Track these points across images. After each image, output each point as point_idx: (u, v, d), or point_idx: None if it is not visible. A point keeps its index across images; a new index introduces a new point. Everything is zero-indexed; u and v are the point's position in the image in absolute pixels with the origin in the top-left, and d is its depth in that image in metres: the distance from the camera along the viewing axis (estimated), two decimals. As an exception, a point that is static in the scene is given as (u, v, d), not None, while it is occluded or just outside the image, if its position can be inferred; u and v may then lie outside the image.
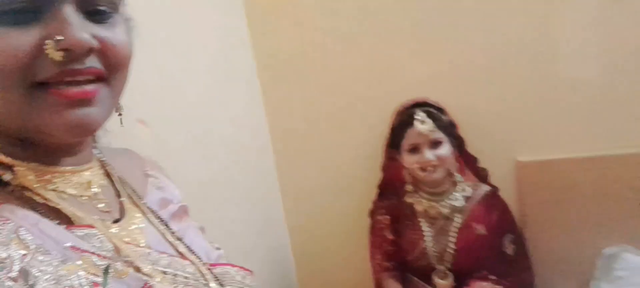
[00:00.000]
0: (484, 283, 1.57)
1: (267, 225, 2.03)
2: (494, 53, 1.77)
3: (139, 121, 1.29)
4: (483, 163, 1.76)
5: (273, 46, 1.99)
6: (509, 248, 1.61)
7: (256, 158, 1.99)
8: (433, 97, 1.70)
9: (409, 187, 1.70)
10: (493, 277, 1.57)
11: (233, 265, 0.77)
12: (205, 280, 0.69)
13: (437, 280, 1.64)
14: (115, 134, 0.93)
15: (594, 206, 1.76)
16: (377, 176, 1.85)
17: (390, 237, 1.72)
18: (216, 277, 0.71)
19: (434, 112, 1.63)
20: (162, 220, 0.74)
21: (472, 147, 1.74)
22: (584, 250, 1.79)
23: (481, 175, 1.71)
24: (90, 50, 0.53)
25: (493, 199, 1.66)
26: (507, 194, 1.74)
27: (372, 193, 1.86)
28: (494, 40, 1.76)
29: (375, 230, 1.78)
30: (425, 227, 1.65)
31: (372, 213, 1.82)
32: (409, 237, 1.68)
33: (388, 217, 1.73)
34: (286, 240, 2.20)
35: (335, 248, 2.11)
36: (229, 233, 1.58)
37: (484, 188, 1.68)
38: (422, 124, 1.58)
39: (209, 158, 1.57)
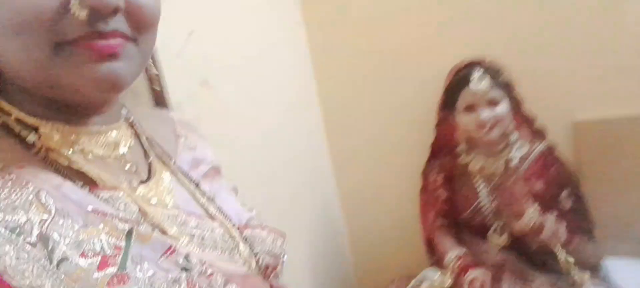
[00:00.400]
0: (549, 215, 1.51)
1: (316, 187, 2.08)
2: (551, 11, 1.74)
3: (202, 83, 1.35)
4: (541, 122, 1.74)
5: (322, 6, 2.01)
6: (567, 203, 1.60)
7: (305, 119, 2.05)
8: (488, 57, 1.68)
9: (462, 147, 1.71)
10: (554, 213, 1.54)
11: (264, 228, 0.75)
12: (235, 242, 0.68)
13: (492, 237, 1.66)
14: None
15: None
16: (429, 137, 1.86)
17: (444, 195, 1.74)
18: (246, 240, 0.70)
19: (491, 71, 1.62)
20: (193, 181, 0.72)
21: (529, 107, 1.72)
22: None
23: (538, 134, 1.70)
24: (116, 10, 0.51)
25: (550, 156, 1.65)
26: (565, 153, 1.72)
27: (424, 154, 1.87)
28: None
29: (428, 190, 1.80)
30: (480, 185, 1.66)
31: (425, 173, 1.84)
32: (463, 195, 1.70)
33: (442, 175, 1.75)
34: (336, 202, 2.25)
35: (387, 208, 2.16)
36: (277, 197, 1.66)
37: (541, 146, 1.66)
38: (479, 83, 1.58)
39: (261, 118, 1.63)
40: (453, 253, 1.64)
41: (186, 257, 0.58)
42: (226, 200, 0.75)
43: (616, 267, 1.74)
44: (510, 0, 1.77)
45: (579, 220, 1.60)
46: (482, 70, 1.60)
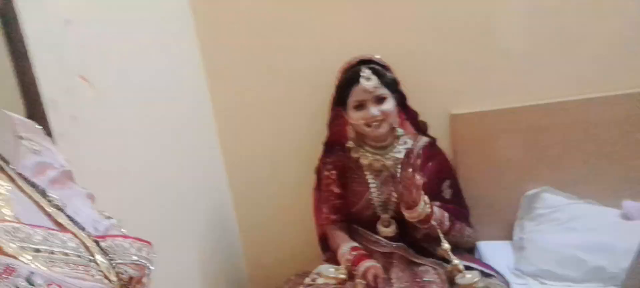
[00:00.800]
0: (435, 207, 1.64)
1: (208, 188, 2.02)
2: (430, 18, 1.88)
3: (80, 77, 1.24)
4: (421, 117, 1.86)
5: (212, 8, 1.95)
6: (447, 193, 1.74)
7: (196, 118, 1.97)
8: (375, 56, 1.75)
9: (350, 143, 1.77)
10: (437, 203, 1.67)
11: (126, 237, 0.70)
12: (91, 254, 0.62)
13: (381, 228, 1.74)
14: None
15: (518, 153, 1.93)
16: (320, 135, 1.89)
17: (337, 190, 1.78)
18: (104, 251, 0.65)
19: (379, 69, 1.68)
20: (37, 187, 0.65)
21: (411, 103, 1.83)
22: (509, 194, 1.97)
23: (421, 128, 1.81)
24: None
25: (431, 149, 1.77)
26: (443, 145, 1.86)
27: (316, 152, 1.90)
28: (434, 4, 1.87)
29: (322, 185, 1.83)
30: (370, 179, 1.73)
31: (319, 170, 1.87)
32: (355, 189, 1.75)
33: (335, 171, 1.78)
34: (229, 202, 2.20)
35: (280, 207, 2.15)
36: (168, 198, 1.58)
37: (424, 140, 1.78)
38: (368, 81, 1.64)
39: (149, 117, 1.53)
40: (346, 246, 1.69)
41: (28, 279, 0.51)
42: (80, 209, 0.70)
43: (488, 249, 1.92)
44: (396, 6, 1.88)
45: (458, 209, 1.74)
46: (370, 68, 1.66)
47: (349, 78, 1.68)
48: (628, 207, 1.81)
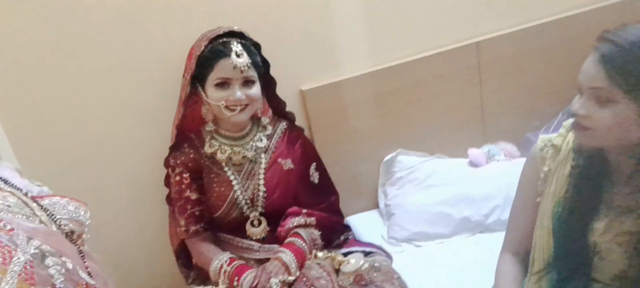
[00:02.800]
0: (297, 218, 1.52)
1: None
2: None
3: None
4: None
5: None
6: (315, 177, 1.59)
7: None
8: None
9: (209, 126, 1.50)
10: (305, 211, 1.54)
11: (63, 196, 0.75)
12: (30, 209, 0.67)
13: (251, 229, 1.52)
14: None
15: (371, 120, 1.89)
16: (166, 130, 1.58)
17: (194, 196, 1.49)
18: (44, 208, 0.70)
19: (251, 47, 1.44)
20: None
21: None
22: (368, 162, 1.93)
23: (281, 111, 1.62)
24: None
25: (292, 132, 1.60)
26: (298, 122, 1.70)
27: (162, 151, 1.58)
28: None
29: (174, 193, 1.51)
30: (231, 175, 1.49)
31: (167, 176, 1.55)
32: (215, 191, 1.49)
33: (187, 174, 1.49)
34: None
35: (119, 229, 1.77)
36: None
37: (283, 123, 1.60)
38: (238, 57, 1.38)
39: None
40: (220, 258, 1.43)
41: None
42: (11, 176, 0.73)
43: (357, 222, 1.86)
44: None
45: (327, 196, 1.62)
46: (241, 43, 1.41)
47: (216, 50, 1.39)
48: (473, 154, 1.91)
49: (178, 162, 1.50)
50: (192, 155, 1.50)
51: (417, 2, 1.82)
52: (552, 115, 1.95)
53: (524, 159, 1.84)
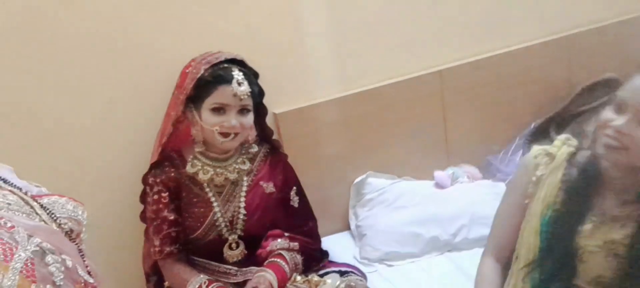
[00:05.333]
0: (280, 240, 1.53)
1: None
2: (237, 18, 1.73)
3: None
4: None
5: None
6: (295, 201, 1.61)
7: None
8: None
9: (197, 148, 1.49)
10: (287, 234, 1.55)
11: (62, 196, 0.75)
12: (31, 207, 0.67)
13: (228, 252, 1.51)
14: None
15: (342, 143, 1.94)
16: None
17: (171, 216, 1.47)
18: (44, 207, 0.70)
19: (251, 77, 1.47)
20: None
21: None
22: (339, 185, 1.98)
23: (268, 138, 1.64)
24: None
25: (275, 156, 1.61)
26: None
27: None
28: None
29: (151, 213, 1.49)
30: (212, 196, 1.49)
31: (146, 185, 1.52)
32: (194, 212, 1.48)
33: (166, 194, 1.47)
34: None
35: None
36: None
37: (265, 146, 1.62)
38: (240, 86, 1.40)
39: None
40: (196, 281, 1.42)
41: None
42: (10, 177, 0.73)
43: (330, 243, 1.88)
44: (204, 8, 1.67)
45: (306, 220, 1.64)
46: (243, 72, 1.44)
47: (218, 75, 1.41)
48: (438, 177, 2.00)
49: (158, 180, 1.48)
50: (172, 174, 1.49)
51: (384, 31, 1.92)
52: (509, 140, 2.08)
53: (486, 181, 2.00)
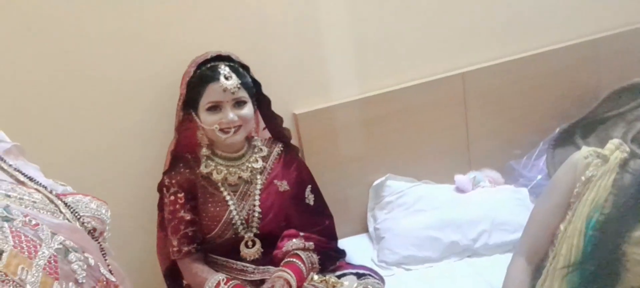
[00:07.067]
0: (295, 240, 1.53)
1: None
2: (262, 18, 1.73)
3: None
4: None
5: None
6: (310, 199, 1.61)
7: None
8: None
9: (204, 151, 1.50)
10: (302, 234, 1.55)
11: (86, 195, 0.76)
12: (55, 206, 0.68)
13: (244, 250, 1.52)
14: None
15: (360, 145, 1.93)
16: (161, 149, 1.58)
17: (188, 216, 1.48)
18: (68, 205, 0.71)
19: (239, 69, 1.47)
20: None
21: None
22: (357, 187, 1.96)
23: (282, 135, 1.64)
24: None
25: (289, 154, 1.62)
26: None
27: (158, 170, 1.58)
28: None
29: (168, 214, 1.50)
30: (227, 195, 1.50)
31: (162, 189, 1.53)
32: (210, 211, 1.49)
33: (182, 194, 1.48)
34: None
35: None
36: None
37: (279, 145, 1.62)
38: (227, 80, 1.40)
39: None
40: (214, 279, 1.42)
41: (6, 208, 0.58)
42: (36, 174, 0.75)
43: (347, 245, 1.86)
44: (226, 6, 1.68)
45: (322, 219, 1.63)
46: (229, 66, 1.43)
47: (205, 75, 1.42)
48: (459, 181, 1.96)
49: (173, 181, 1.49)
50: (187, 175, 1.50)
51: (405, 32, 1.90)
52: (533, 145, 2.03)
53: (508, 186, 1.96)
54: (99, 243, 0.72)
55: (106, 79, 1.60)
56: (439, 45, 1.94)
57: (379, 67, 1.91)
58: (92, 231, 0.72)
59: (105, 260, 0.72)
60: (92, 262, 0.65)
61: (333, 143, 1.89)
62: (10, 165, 0.71)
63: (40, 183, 0.71)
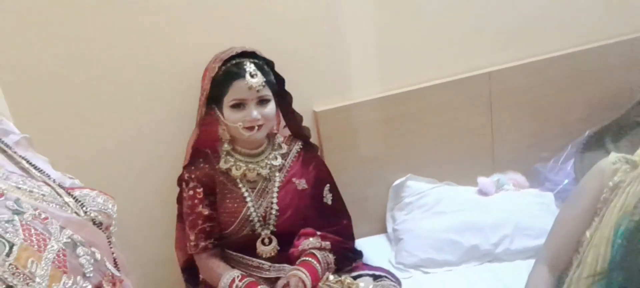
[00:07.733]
0: (311, 239, 1.51)
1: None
2: (287, 14, 1.71)
3: None
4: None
5: None
6: (329, 198, 1.60)
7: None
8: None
9: (226, 146, 1.50)
10: (319, 233, 1.53)
11: (93, 189, 0.77)
12: (63, 200, 0.69)
13: (261, 247, 1.51)
14: None
15: (381, 144, 1.90)
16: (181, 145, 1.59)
17: (206, 212, 1.48)
18: (75, 199, 0.72)
19: (264, 66, 1.46)
20: (7, 145, 0.73)
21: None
22: (377, 186, 1.93)
23: (297, 128, 1.63)
24: None
25: (308, 153, 1.60)
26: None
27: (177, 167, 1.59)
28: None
29: (186, 208, 1.51)
30: (245, 192, 1.49)
31: (181, 183, 1.54)
32: (228, 207, 1.49)
33: (201, 189, 1.49)
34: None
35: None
36: None
37: (298, 143, 1.61)
38: (253, 77, 1.40)
39: None
40: (229, 275, 1.42)
41: (16, 202, 0.60)
42: (45, 167, 0.76)
43: (365, 245, 1.84)
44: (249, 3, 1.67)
45: (340, 218, 1.61)
46: (255, 63, 1.43)
47: (230, 71, 1.41)
48: (482, 183, 1.91)
49: (193, 176, 1.50)
50: (206, 170, 1.50)
51: (429, 29, 1.85)
52: (560, 148, 1.96)
53: (533, 190, 1.90)
54: (106, 236, 0.73)
55: (126, 75, 1.61)
56: (464, 43, 1.89)
57: (401, 65, 1.87)
58: (98, 225, 0.72)
59: (112, 254, 0.73)
60: (98, 256, 0.66)
61: (353, 141, 1.87)
62: (21, 157, 0.72)
63: (49, 176, 0.72)
